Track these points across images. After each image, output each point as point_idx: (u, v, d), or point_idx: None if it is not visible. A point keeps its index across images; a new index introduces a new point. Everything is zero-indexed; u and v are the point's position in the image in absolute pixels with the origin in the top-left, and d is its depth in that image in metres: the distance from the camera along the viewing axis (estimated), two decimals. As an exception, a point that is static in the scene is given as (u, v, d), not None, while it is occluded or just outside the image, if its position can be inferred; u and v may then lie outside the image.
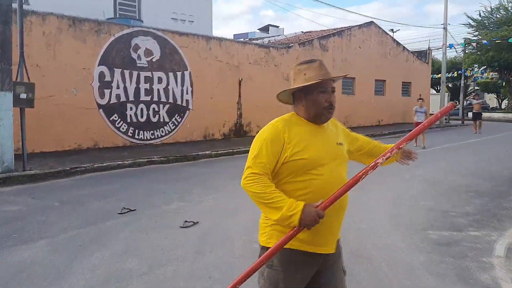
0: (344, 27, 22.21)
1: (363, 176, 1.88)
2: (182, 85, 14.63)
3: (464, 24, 42.79)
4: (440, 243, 4.88)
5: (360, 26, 22.58)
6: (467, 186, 8.11)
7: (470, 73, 37.59)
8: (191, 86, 14.86)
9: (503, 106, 50.77)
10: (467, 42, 33.51)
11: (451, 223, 5.67)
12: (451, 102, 2.09)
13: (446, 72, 35.23)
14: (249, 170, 1.92)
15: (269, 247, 1.92)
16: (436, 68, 37.87)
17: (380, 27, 23.85)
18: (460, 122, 28.23)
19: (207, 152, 12.19)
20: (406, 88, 26.73)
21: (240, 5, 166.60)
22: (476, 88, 48.44)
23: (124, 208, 6.24)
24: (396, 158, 2.36)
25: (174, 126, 14.45)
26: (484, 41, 31.15)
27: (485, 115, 34.96)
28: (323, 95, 2.02)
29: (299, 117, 2.08)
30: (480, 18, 37.37)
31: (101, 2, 16.67)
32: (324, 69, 2.05)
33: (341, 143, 2.12)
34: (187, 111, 14.83)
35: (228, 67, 16.07)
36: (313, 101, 2.02)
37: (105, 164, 9.72)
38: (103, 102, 12.45)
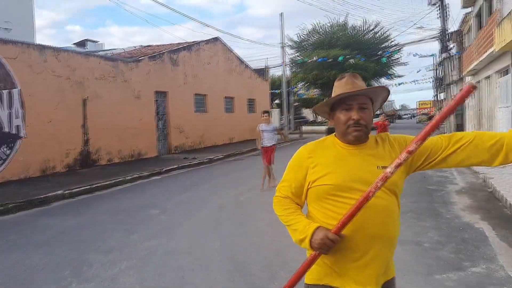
0: (193, 42, 21.02)
1: (374, 191, 1.64)
2: (10, 107, 11.20)
3: (287, 45, 46.44)
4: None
5: (207, 41, 21.71)
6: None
7: (297, 89, 40.70)
8: (22, 107, 11.53)
9: (318, 120, 57.03)
10: (292, 61, 36.10)
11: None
12: (469, 84, 1.60)
13: (275, 89, 37.69)
14: (276, 193, 1.99)
15: (308, 283, 1.86)
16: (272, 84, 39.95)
17: (225, 44, 23.42)
18: (298, 135, 29.74)
19: (58, 192, 9.30)
20: (251, 104, 26.93)
21: (40, 18, 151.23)
22: (296, 103, 53.04)
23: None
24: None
25: (1, 161, 10.89)
26: (309, 59, 33.91)
27: (313, 128, 38.29)
28: (346, 113, 1.83)
29: (335, 138, 1.92)
30: (298, 40, 40.89)
31: None
32: (350, 84, 1.86)
33: (385, 166, 1.71)
34: (18, 140, 11.41)
35: (69, 83, 13.12)
36: (337, 120, 1.87)
37: None
38: None
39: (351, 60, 30.67)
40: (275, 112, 35.32)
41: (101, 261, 5.00)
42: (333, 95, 1.89)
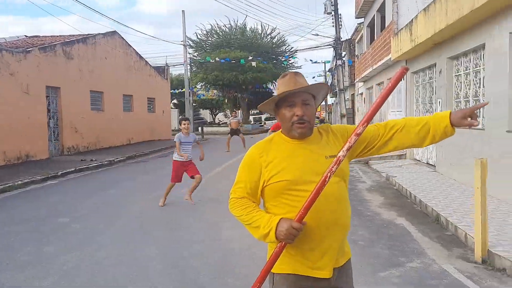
0: (89, 34, 19.40)
1: (330, 175, 1.73)
2: None
3: (184, 45, 45.53)
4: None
5: (104, 34, 20.22)
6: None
7: (196, 90, 40.21)
8: None
9: (216, 121, 57.12)
10: (194, 61, 35.60)
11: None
12: (403, 66, 1.90)
13: (174, 89, 36.77)
14: (231, 196, 1.98)
15: (274, 272, 1.90)
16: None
17: (123, 38, 22.09)
18: (200, 137, 29.30)
19: None
20: (150, 104, 25.82)
21: None
22: (194, 104, 52.51)
23: None
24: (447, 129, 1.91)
25: None
26: (210, 59, 33.71)
27: (212, 129, 38.09)
28: (290, 109, 1.91)
29: (281, 135, 1.99)
30: (198, 40, 40.45)
31: None
32: (292, 82, 1.93)
33: (333, 155, 1.84)
34: None
35: None
36: (282, 116, 1.94)
37: None
38: None
39: (252, 63, 31.12)
40: (175, 112, 34.52)
41: (16, 280, 4.20)
42: (277, 92, 1.95)
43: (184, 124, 7.65)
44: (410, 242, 5.44)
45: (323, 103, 57.11)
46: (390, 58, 13.37)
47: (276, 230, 1.76)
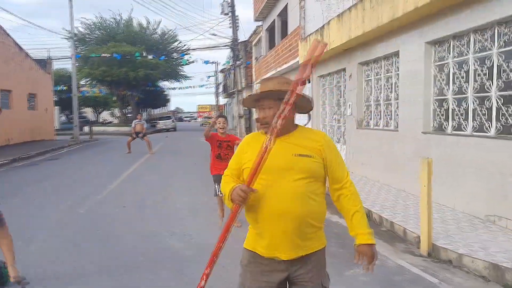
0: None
1: (269, 143, 2.01)
2: None
3: (66, 38, 41.84)
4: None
5: (-23, 19, 17.54)
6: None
7: (80, 86, 37.23)
8: None
9: (100, 119, 53.61)
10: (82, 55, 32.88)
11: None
12: (315, 40, 2.13)
13: (56, 85, 33.49)
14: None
15: (244, 247, 2.26)
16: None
17: (1, 26, 19.44)
18: (88, 137, 27.15)
19: None
20: (32, 100, 23.15)
21: None
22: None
23: None
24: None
25: None
26: (94, 54, 31.47)
27: (98, 129, 35.55)
28: (259, 111, 2.21)
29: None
30: (80, 34, 37.50)
31: None
32: (261, 86, 2.20)
33: (308, 155, 2.12)
34: None
35: None
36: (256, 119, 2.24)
37: None
38: None
39: (150, 56, 29.86)
40: (56, 110, 31.54)
41: None
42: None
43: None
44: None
45: (214, 103, 57.34)
46: (298, 61, 13.83)
47: (230, 194, 2.07)
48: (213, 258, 2.13)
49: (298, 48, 13.74)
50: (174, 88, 44.95)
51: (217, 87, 51.78)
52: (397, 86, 8.56)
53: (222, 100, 55.35)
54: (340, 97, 11.80)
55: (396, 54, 8.47)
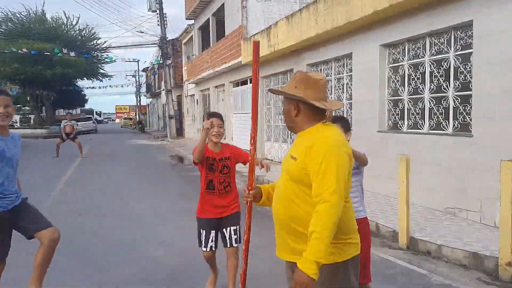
0: None
1: (251, 153, 2.36)
2: None
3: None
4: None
5: None
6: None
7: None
8: None
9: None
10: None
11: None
12: (254, 40, 2.36)
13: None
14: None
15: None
16: None
17: None
18: None
19: None
20: None
21: None
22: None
23: None
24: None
25: None
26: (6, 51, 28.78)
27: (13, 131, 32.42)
28: None
29: None
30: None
31: None
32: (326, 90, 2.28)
33: (295, 157, 2.08)
34: None
35: None
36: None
37: None
38: None
39: (71, 53, 27.93)
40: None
41: None
42: (305, 92, 2.13)
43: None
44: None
45: (135, 103, 55.31)
46: (240, 61, 13.80)
47: None
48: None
49: (240, 48, 13.70)
50: (93, 88, 42.63)
51: (139, 87, 50.04)
52: (349, 87, 8.88)
53: (145, 100, 53.65)
54: (286, 97, 11.96)
55: (348, 56, 8.78)
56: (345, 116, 9.14)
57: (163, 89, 29.15)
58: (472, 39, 5.89)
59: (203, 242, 3.59)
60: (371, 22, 7.67)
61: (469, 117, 6.07)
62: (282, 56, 11.48)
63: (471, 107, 5.95)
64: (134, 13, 69.88)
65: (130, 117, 59.86)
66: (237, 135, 16.25)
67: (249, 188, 2.29)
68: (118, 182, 10.07)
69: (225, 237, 3.58)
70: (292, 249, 2.09)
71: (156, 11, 26.06)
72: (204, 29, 21.04)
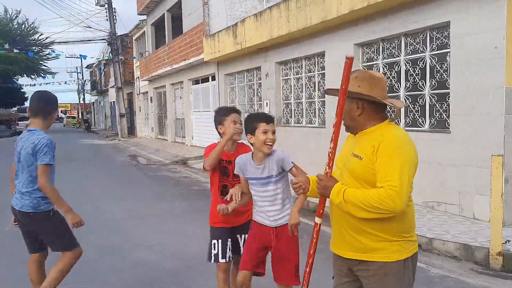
0: None
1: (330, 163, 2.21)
2: None
3: None
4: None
5: None
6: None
7: None
8: None
9: None
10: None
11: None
12: (347, 56, 2.07)
13: None
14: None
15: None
16: None
17: None
18: None
19: None
20: None
21: None
22: None
23: None
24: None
25: None
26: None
27: None
28: None
29: None
30: None
31: None
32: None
33: (358, 155, 2.08)
34: None
35: None
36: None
37: None
38: None
39: (15, 49, 26.13)
40: None
41: None
42: (371, 91, 2.12)
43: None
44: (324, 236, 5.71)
45: (77, 101, 52.91)
46: (202, 58, 13.55)
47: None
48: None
49: (202, 45, 13.45)
50: (34, 85, 40.19)
51: (83, 84, 47.91)
52: (321, 86, 8.98)
53: (89, 98, 51.44)
54: (253, 95, 11.91)
55: (320, 54, 8.87)
56: (316, 113, 9.25)
57: (112, 86, 28.10)
58: (448, 40, 6.14)
59: (219, 253, 3.16)
60: (346, 21, 7.79)
61: (445, 114, 6.33)
62: (249, 54, 11.40)
63: (448, 105, 6.21)
64: (83, 7, 66.53)
65: (73, 115, 57.11)
66: (197, 134, 15.98)
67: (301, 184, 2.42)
68: (84, 186, 9.51)
69: (239, 245, 3.24)
70: (354, 247, 2.12)
71: (104, 5, 25.03)
72: (158, 25, 20.47)
